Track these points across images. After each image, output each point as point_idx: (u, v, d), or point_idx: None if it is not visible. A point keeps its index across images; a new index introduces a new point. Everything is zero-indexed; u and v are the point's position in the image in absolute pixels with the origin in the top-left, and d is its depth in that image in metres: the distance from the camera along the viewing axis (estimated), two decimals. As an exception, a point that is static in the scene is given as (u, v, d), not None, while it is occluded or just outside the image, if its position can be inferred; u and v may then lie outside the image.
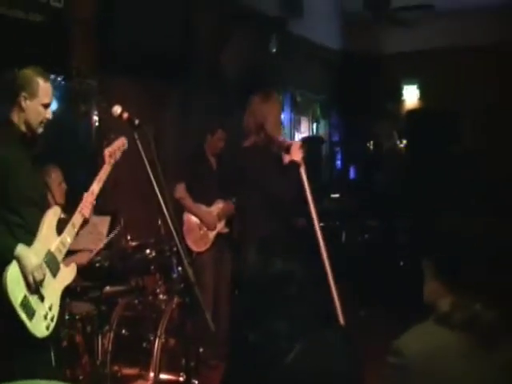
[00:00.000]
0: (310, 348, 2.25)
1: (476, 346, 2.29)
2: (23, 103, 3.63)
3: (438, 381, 2.26)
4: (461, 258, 2.35)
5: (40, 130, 3.75)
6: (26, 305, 3.50)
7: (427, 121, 9.95)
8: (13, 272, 3.48)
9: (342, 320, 4.35)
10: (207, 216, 6.27)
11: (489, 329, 2.28)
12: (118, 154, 4.16)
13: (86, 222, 4.01)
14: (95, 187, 4.06)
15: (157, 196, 3.64)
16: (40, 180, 3.92)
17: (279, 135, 5.10)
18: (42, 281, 3.60)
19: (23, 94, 3.62)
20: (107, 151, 4.12)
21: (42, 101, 3.68)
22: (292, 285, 2.36)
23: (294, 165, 4.74)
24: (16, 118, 3.67)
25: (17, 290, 3.48)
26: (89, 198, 4.01)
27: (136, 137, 3.78)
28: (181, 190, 6.16)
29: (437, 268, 2.41)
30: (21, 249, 3.52)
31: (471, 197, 6.52)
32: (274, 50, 9.36)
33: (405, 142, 10.68)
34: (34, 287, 3.57)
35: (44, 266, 3.63)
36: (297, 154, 4.76)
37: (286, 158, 4.85)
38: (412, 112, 11.40)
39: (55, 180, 5.11)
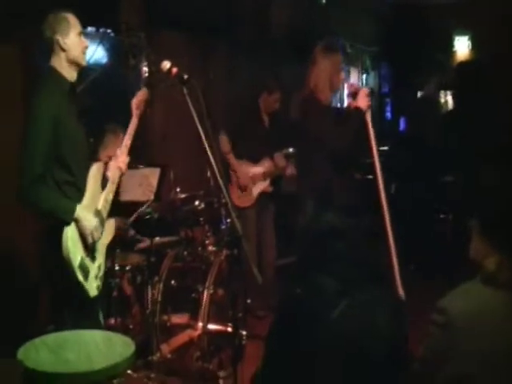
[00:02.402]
0: (355, 306, 2.29)
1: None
2: (62, 43, 3.66)
3: (481, 340, 2.28)
4: (507, 214, 2.35)
5: (84, 62, 3.79)
6: (82, 266, 3.59)
7: (477, 73, 9.75)
8: (72, 233, 3.55)
9: (398, 279, 4.40)
10: (242, 176, 6.33)
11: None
12: (143, 105, 4.23)
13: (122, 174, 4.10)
14: (127, 141, 4.13)
15: (205, 149, 3.70)
16: (85, 134, 3.91)
17: (338, 88, 5.09)
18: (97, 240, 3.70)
19: (58, 36, 3.65)
20: (133, 103, 4.19)
21: (76, 31, 3.71)
22: (344, 241, 2.39)
23: (358, 111, 4.71)
24: (57, 63, 3.70)
25: (76, 252, 3.56)
26: (123, 153, 4.09)
27: (185, 91, 3.81)
28: (224, 143, 6.21)
29: (482, 226, 2.41)
30: (80, 210, 3.59)
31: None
32: (324, 1, 9.30)
33: (448, 92, 10.54)
34: (91, 248, 3.67)
35: (98, 226, 3.73)
36: (363, 101, 4.72)
37: (352, 104, 4.85)
38: (462, 63, 11.21)
39: (119, 141, 5.15)
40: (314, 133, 4.88)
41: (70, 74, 3.75)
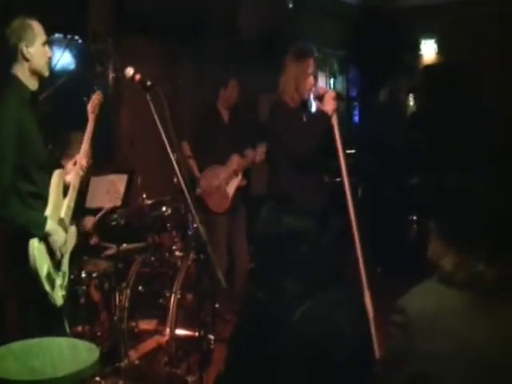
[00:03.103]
0: (317, 307, 2.33)
1: (478, 305, 2.34)
2: (26, 52, 3.63)
3: (440, 339, 2.31)
4: (462, 216, 2.39)
5: (47, 73, 3.77)
6: (49, 276, 3.59)
7: (444, 75, 9.88)
8: (39, 244, 3.54)
9: (364, 281, 4.44)
10: (224, 171, 6.32)
11: (491, 288, 2.34)
12: (98, 108, 4.24)
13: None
14: (85, 146, 4.13)
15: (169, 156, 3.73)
16: (44, 142, 3.84)
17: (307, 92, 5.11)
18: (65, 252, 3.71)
19: (23, 43, 3.63)
20: (89, 107, 4.20)
21: (41, 40, 3.70)
22: (304, 243, 2.43)
23: (325, 115, 4.70)
24: (20, 71, 3.67)
25: (43, 262, 3.56)
26: (83, 158, 4.09)
27: (148, 98, 3.83)
28: (185, 150, 6.25)
29: (439, 227, 2.46)
30: (50, 224, 3.59)
31: (483, 155, 6.53)
32: (291, 6, 9.34)
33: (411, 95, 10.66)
34: (59, 259, 3.67)
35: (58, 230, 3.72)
36: (329, 104, 4.69)
37: (318, 107, 4.86)
38: (429, 66, 11.35)
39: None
40: (280, 135, 4.93)
41: (32, 84, 3.73)
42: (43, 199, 3.70)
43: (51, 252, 3.63)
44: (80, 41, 5.93)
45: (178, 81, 7.03)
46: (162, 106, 3.82)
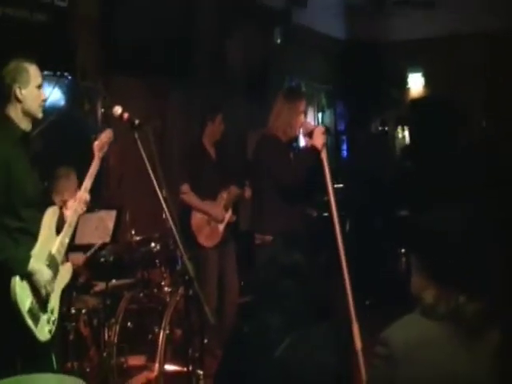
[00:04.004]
0: (300, 341, 2.37)
1: (459, 337, 2.40)
2: (19, 94, 3.67)
3: (422, 370, 2.36)
4: (441, 253, 2.45)
5: (40, 115, 3.81)
6: (32, 311, 3.58)
7: (430, 109, 9.99)
8: (22, 282, 3.54)
9: (352, 311, 4.49)
10: (214, 209, 6.28)
11: (472, 320, 2.39)
12: (106, 147, 4.26)
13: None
14: (87, 183, 4.12)
15: (156, 193, 3.79)
16: (38, 180, 3.90)
17: (298, 131, 5.20)
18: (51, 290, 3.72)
19: (17, 85, 3.67)
20: (95, 145, 4.21)
21: (35, 83, 3.74)
22: (293, 278, 2.48)
23: (314, 150, 4.78)
24: (13, 112, 3.71)
25: (25, 297, 3.55)
26: (82, 196, 4.07)
27: (136, 136, 3.91)
28: (185, 189, 6.18)
29: (420, 262, 2.51)
30: (34, 262, 3.58)
31: (467, 191, 6.59)
32: (279, 41, 9.45)
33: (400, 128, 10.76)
34: (44, 298, 3.68)
35: (47, 266, 3.73)
36: (318, 140, 4.77)
37: (308, 142, 4.96)
38: (415, 100, 11.49)
39: (72, 185, 5.16)
40: (270, 169, 5.01)
41: (25, 124, 3.77)
42: (32, 235, 3.70)
43: (36, 290, 3.64)
44: (69, 78, 5.98)
45: (165, 117, 7.09)
46: (150, 144, 3.89)
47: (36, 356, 3.67)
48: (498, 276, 2.58)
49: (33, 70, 3.75)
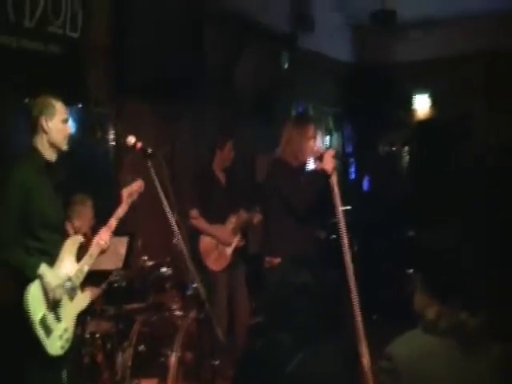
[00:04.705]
0: (311, 358, 2.49)
1: (461, 352, 2.50)
2: (45, 125, 3.89)
3: (424, 383, 2.47)
4: (442, 271, 2.56)
5: (65, 147, 4.01)
6: (44, 322, 3.71)
7: (436, 130, 10.09)
8: (35, 289, 3.70)
9: (361, 329, 4.58)
10: (222, 233, 6.41)
11: (473, 336, 2.50)
12: (135, 195, 4.40)
13: (103, 251, 4.25)
14: (113, 223, 4.30)
15: (169, 219, 3.91)
16: (61, 206, 4.11)
17: (308, 156, 5.32)
18: (60, 300, 3.84)
19: (43, 117, 3.89)
20: (125, 191, 4.36)
21: (61, 117, 3.96)
22: (303, 297, 2.60)
23: (323, 173, 4.82)
24: (39, 144, 3.92)
25: (37, 308, 3.69)
26: (106, 232, 4.24)
27: (149, 164, 4.05)
28: (194, 214, 6.30)
29: (422, 280, 2.62)
30: (44, 267, 3.75)
31: (472, 210, 6.69)
32: (286, 66, 9.57)
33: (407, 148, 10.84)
34: (53, 305, 3.79)
35: (64, 287, 3.88)
36: (329, 163, 4.81)
37: (318, 166, 5.01)
38: (421, 121, 11.58)
39: (88, 213, 5.33)
40: (281, 192, 5.13)
41: (49, 154, 3.97)
42: (49, 256, 3.87)
43: (49, 300, 3.76)
44: (81, 106, 6.10)
45: (175, 143, 7.19)
46: (162, 170, 4.03)
47: (47, 371, 3.79)
48: (499, 291, 2.69)
49: (59, 106, 3.98)
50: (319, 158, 4.96)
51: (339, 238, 4.72)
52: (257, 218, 6.35)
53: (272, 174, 5.36)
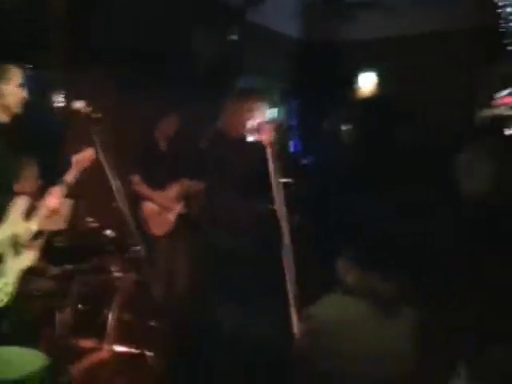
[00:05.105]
0: (247, 318, 2.69)
1: (376, 314, 2.72)
2: (0, 89, 3.96)
3: (344, 343, 2.68)
4: (362, 240, 2.78)
5: (18, 110, 4.07)
6: None
7: (381, 108, 10.28)
8: None
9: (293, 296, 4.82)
10: (164, 199, 6.56)
11: (387, 298, 2.72)
12: (86, 163, 4.50)
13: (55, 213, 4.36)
14: (63, 189, 4.39)
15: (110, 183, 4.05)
16: (11, 167, 4.19)
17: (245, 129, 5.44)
18: (4, 256, 3.97)
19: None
20: (76, 158, 4.47)
21: (16, 82, 4.02)
22: (233, 262, 2.80)
23: (262, 145, 5.00)
24: None
25: None
26: (55, 195, 4.31)
27: (93, 129, 4.17)
28: (136, 180, 6.42)
29: (344, 248, 2.84)
30: None
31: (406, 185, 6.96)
32: (235, 38, 9.68)
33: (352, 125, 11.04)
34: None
35: (6, 242, 3.99)
36: (266, 135, 5.00)
37: (257, 138, 5.19)
38: (366, 98, 11.79)
39: (33, 174, 5.39)
40: (220, 162, 5.27)
41: (3, 117, 4.04)
42: None
43: None
44: (33, 71, 6.12)
45: (124, 110, 7.27)
46: (105, 135, 4.15)
47: None
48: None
49: (15, 71, 4.05)
50: (258, 130, 5.15)
51: (275, 210, 4.95)
52: (198, 186, 6.49)
53: (212, 144, 5.48)
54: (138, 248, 4.10)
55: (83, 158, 4.48)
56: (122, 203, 4.11)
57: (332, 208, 7.93)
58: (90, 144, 4.36)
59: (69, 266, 5.37)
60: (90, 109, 4.26)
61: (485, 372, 3.65)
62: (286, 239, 4.91)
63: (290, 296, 4.78)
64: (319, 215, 7.67)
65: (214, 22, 9.03)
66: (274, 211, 5.20)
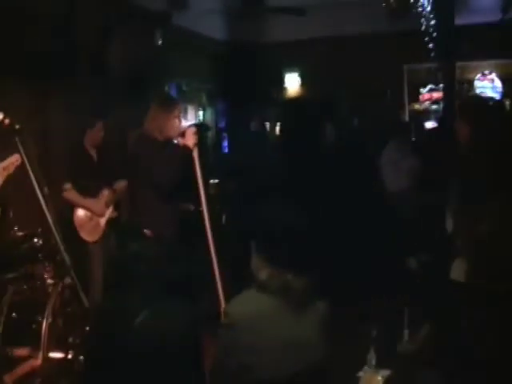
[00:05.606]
0: (153, 315, 2.83)
1: (290, 310, 2.88)
2: None
3: (258, 337, 2.82)
4: (275, 237, 2.93)
5: None
6: None
7: (305, 107, 10.48)
8: None
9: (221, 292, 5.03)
10: (95, 204, 6.65)
11: (298, 294, 2.88)
12: (12, 169, 4.55)
13: None
14: None
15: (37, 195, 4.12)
16: None
17: (172, 135, 5.57)
18: None
19: None
20: (1, 165, 4.52)
21: None
22: (137, 264, 2.93)
23: (186, 149, 5.23)
24: None
25: None
26: None
27: (17, 140, 4.20)
28: (67, 187, 6.50)
29: (257, 244, 2.98)
30: None
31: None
32: (160, 43, 9.77)
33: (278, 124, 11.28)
34: None
35: None
36: (190, 139, 5.23)
37: (180, 142, 5.35)
38: (291, 98, 12.03)
39: None
40: (143, 165, 5.37)
41: None
42: None
43: None
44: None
45: (49, 118, 7.30)
46: (29, 146, 4.20)
47: None
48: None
49: None
50: (182, 134, 5.31)
51: (201, 209, 5.13)
52: (122, 184, 6.59)
53: (136, 148, 5.57)
54: (62, 254, 4.16)
55: (9, 163, 4.53)
56: (47, 212, 4.17)
57: (251, 207, 8.10)
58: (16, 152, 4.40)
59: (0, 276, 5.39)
60: (10, 120, 4.27)
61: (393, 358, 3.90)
62: (209, 239, 5.13)
63: (219, 291, 5.00)
64: (241, 214, 7.83)
65: (139, 25, 9.10)
66: (200, 211, 5.36)
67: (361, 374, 4.33)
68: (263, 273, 2.90)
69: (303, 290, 2.87)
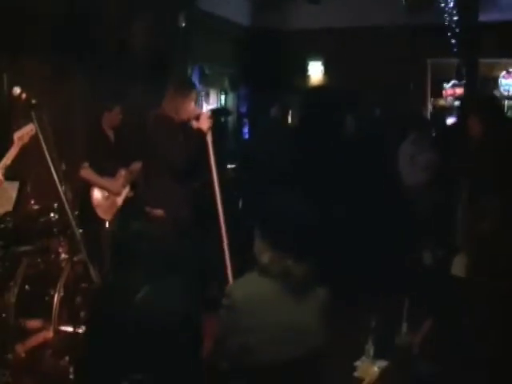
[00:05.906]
0: (154, 290, 2.90)
1: (289, 294, 2.93)
2: None
3: (258, 320, 2.88)
4: (277, 222, 2.98)
5: None
6: None
7: (322, 97, 10.49)
8: None
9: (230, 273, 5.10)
10: (112, 183, 6.73)
11: (298, 279, 2.93)
12: (27, 138, 4.61)
13: None
14: (4, 162, 4.51)
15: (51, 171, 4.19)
16: None
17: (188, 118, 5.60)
18: None
19: None
20: (16, 135, 4.58)
21: None
22: (139, 242, 3.00)
23: (200, 132, 5.30)
24: None
25: None
26: None
27: (33, 116, 4.26)
28: (84, 167, 6.58)
29: (261, 229, 3.03)
30: None
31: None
32: (184, 25, 9.81)
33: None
34: None
35: None
36: (204, 123, 5.32)
37: (195, 125, 5.41)
38: (313, 86, 12.02)
39: None
40: (159, 146, 5.44)
41: None
42: None
43: None
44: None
45: (67, 100, 7.37)
46: (44, 122, 4.27)
47: None
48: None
49: None
50: (196, 117, 5.37)
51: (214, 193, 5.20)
52: (138, 165, 6.66)
53: (153, 128, 5.64)
54: (74, 228, 4.22)
55: (23, 132, 4.59)
56: (60, 187, 4.23)
57: (262, 193, 8.14)
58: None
59: (15, 248, 5.48)
60: (26, 95, 4.32)
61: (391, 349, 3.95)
62: (222, 220, 5.19)
63: (227, 270, 5.07)
64: (253, 200, 7.90)
65: (163, 8, 9.13)
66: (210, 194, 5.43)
67: (358, 363, 4.40)
68: (265, 256, 2.96)
69: (303, 276, 2.92)
